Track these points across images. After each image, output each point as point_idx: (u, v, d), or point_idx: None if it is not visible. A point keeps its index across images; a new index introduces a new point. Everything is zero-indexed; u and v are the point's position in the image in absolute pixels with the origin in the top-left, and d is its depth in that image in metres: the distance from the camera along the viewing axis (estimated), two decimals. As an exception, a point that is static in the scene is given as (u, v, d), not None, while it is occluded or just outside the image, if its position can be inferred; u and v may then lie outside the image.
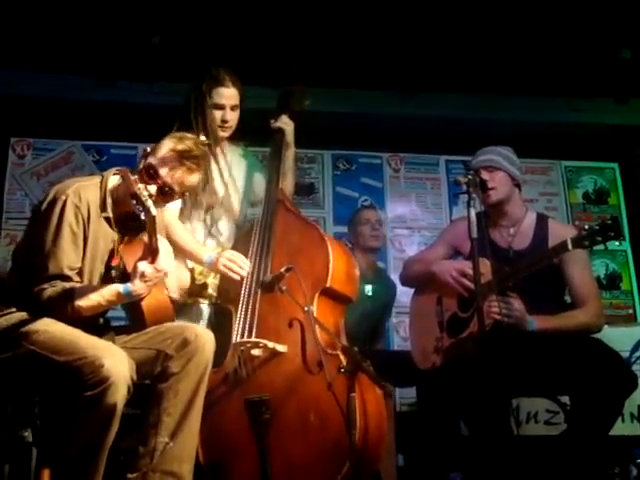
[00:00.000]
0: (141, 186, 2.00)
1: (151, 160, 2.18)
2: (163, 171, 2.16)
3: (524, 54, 4.18)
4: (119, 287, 2.09)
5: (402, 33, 4.01)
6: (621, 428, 3.27)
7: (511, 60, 4.23)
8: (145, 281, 2.05)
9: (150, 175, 2.16)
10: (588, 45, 4.12)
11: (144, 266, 2.04)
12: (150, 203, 1.96)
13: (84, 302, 2.05)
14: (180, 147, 2.19)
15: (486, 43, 4.09)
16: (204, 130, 2.68)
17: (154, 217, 1.97)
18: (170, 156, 2.17)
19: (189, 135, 2.34)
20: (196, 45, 3.90)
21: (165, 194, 2.19)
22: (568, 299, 2.77)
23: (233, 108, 2.75)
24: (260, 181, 2.87)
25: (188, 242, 2.60)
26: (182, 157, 2.17)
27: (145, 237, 2.07)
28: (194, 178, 2.23)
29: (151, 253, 2.04)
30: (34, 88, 4.34)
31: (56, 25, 3.90)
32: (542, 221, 2.81)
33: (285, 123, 2.82)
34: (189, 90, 2.78)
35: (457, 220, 3.20)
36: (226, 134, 2.79)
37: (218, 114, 2.73)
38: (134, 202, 1.95)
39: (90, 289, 2.09)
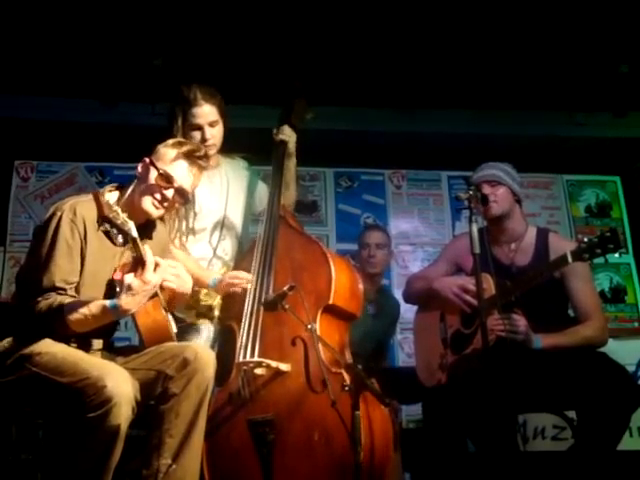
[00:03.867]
0: (116, 208, 2.02)
1: (162, 166, 2.25)
2: (178, 174, 2.26)
3: (524, 69, 4.20)
4: (105, 302, 2.05)
5: (402, 51, 4.04)
6: (629, 443, 3.25)
7: (511, 75, 4.26)
8: (132, 294, 2.01)
9: (167, 180, 2.24)
10: (587, 60, 4.15)
11: (130, 279, 2.02)
12: (130, 226, 1.98)
13: (72, 316, 2.02)
14: (187, 148, 2.29)
15: (486, 58, 4.12)
16: None
17: (135, 238, 1.99)
18: (181, 158, 2.27)
19: (184, 139, 2.42)
20: (198, 66, 3.93)
21: (182, 196, 2.29)
22: (572, 313, 2.76)
23: (212, 124, 2.68)
24: (261, 193, 2.84)
25: (191, 268, 2.55)
26: (192, 157, 2.29)
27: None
28: (200, 176, 2.36)
29: (140, 265, 2.03)
30: (37, 111, 4.39)
31: (58, 48, 3.95)
32: (542, 236, 2.80)
33: (287, 135, 2.78)
34: (168, 112, 2.73)
35: (458, 236, 3.19)
36: (211, 152, 2.71)
37: (197, 134, 2.67)
38: (107, 225, 1.97)
39: (80, 303, 2.06)
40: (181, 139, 2.44)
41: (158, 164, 2.26)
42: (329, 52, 4.01)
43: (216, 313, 2.71)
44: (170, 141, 2.36)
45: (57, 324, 2.04)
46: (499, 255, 2.79)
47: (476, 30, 3.89)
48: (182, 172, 2.26)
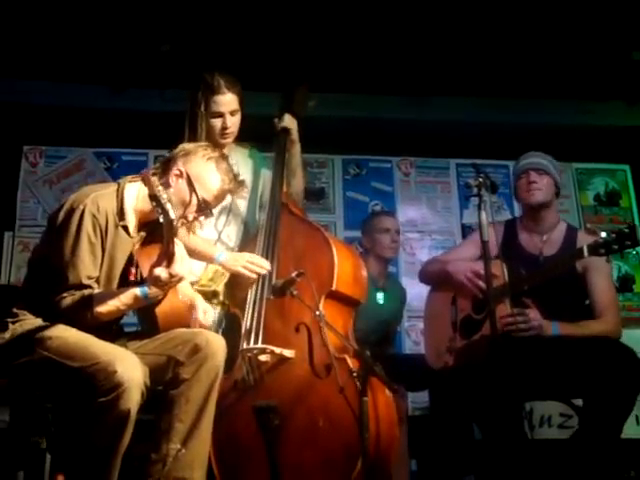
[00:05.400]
0: (161, 188, 2.02)
1: (203, 194, 2.26)
2: (214, 206, 2.35)
3: (534, 57, 4.17)
4: (136, 290, 2.12)
5: (411, 38, 4.02)
6: (636, 430, 3.25)
7: (521, 63, 4.23)
8: (160, 286, 2.08)
9: (203, 210, 2.28)
10: (599, 47, 4.11)
11: (159, 271, 2.05)
12: (169, 207, 1.98)
13: (103, 308, 2.09)
14: (229, 186, 2.33)
15: (496, 46, 4.09)
16: (206, 139, 2.66)
17: (172, 221, 1.98)
18: (221, 194, 2.33)
19: (226, 164, 2.37)
20: (206, 52, 3.92)
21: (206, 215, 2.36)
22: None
23: (232, 113, 2.70)
24: (269, 180, 2.82)
25: (198, 243, 2.58)
26: (229, 192, 2.38)
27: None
28: None
29: (167, 258, 2.05)
30: (46, 97, 4.39)
31: (68, 34, 3.95)
32: (572, 231, 2.86)
33: (288, 122, 2.79)
34: (188, 97, 2.74)
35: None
36: (229, 140, 2.75)
37: (218, 122, 2.69)
38: (154, 204, 1.97)
39: (108, 295, 2.12)
40: (224, 163, 2.36)
41: (197, 187, 2.25)
42: (337, 39, 3.99)
43: (221, 298, 2.72)
44: (213, 164, 2.31)
45: (85, 317, 2.08)
46: (528, 244, 2.82)
47: (486, 17, 3.87)
48: (217, 204, 2.36)
